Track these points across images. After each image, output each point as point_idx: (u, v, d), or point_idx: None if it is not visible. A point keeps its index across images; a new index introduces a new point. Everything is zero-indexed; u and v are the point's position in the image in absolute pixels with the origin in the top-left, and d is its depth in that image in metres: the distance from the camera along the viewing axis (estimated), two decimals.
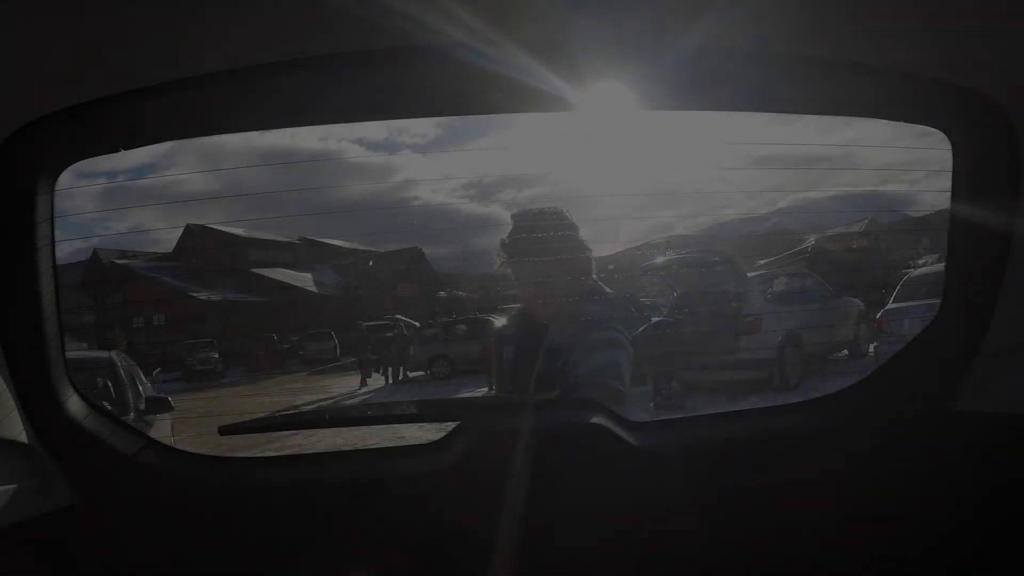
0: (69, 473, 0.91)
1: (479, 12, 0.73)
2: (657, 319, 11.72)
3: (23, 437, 1.22)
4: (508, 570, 0.90)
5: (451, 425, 0.92)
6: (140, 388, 6.13)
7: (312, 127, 1.17)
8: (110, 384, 5.38)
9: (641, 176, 1.28)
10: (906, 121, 1.21)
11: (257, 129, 0.81)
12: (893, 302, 10.11)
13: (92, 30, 0.71)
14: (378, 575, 0.94)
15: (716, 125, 1.21)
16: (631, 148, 1.23)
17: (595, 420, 0.91)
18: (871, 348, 11.38)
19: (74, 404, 0.90)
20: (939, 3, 0.78)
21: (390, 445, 0.96)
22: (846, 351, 12.34)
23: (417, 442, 0.94)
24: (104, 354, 6.14)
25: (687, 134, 1.26)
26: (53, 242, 0.87)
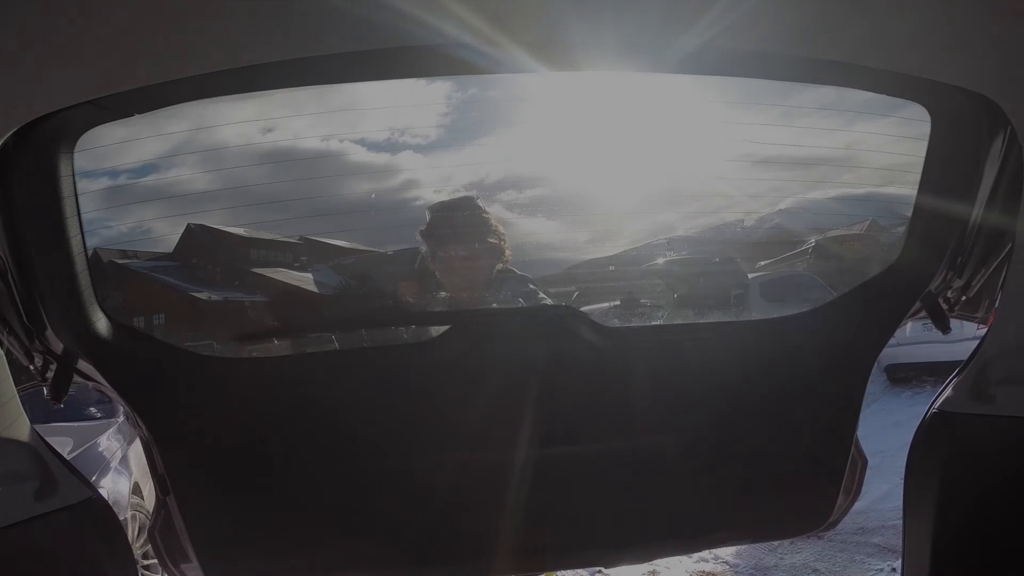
0: (112, 377, 1.00)
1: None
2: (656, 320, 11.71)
3: (24, 437, 1.22)
4: (498, 442, 1.05)
5: (445, 328, 1.05)
6: None
7: (313, 128, 1.18)
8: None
9: (642, 177, 1.29)
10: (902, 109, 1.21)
11: (260, 89, 0.83)
12: None
13: (95, 28, 0.71)
14: (379, 452, 1.06)
15: (717, 125, 1.21)
16: (632, 150, 1.24)
17: (572, 324, 1.02)
18: None
19: (102, 324, 0.99)
20: (938, 3, 0.78)
21: (391, 344, 1.07)
22: None
23: (416, 340, 1.07)
24: None
25: (688, 136, 1.26)
26: (76, 196, 0.92)
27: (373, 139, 1.21)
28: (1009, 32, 0.80)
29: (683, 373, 1.06)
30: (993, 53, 0.84)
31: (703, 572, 4.31)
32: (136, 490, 4.44)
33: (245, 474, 1.04)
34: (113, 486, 3.89)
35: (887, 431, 7.28)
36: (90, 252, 0.95)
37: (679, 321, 1.17)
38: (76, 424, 4.54)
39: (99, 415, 4.97)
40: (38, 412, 1.14)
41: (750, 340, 1.11)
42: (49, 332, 0.97)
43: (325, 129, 1.17)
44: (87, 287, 0.94)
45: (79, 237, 0.94)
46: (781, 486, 1.14)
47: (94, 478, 3.99)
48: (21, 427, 1.21)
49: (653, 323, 1.16)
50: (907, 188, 1.27)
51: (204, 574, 1.08)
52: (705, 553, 4.52)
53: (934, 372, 8.88)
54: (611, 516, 1.11)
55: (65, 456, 1.28)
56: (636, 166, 1.29)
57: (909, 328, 8.88)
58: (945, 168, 1.03)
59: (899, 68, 0.90)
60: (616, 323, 1.10)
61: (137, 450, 4.82)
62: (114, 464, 4.21)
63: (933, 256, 1.07)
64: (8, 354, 1.09)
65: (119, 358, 0.99)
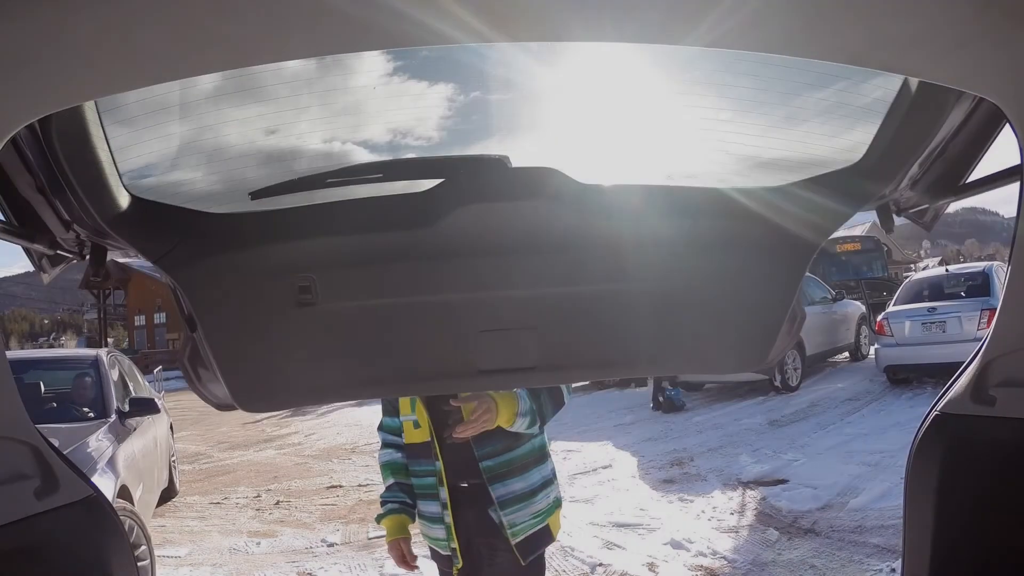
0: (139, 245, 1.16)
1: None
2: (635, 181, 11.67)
3: (25, 435, 1.23)
4: (485, 278, 1.22)
5: (437, 180, 1.16)
6: (130, 387, 6.02)
7: (315, 128, 1.21)
8: (91, 382, 5.24)
9: (643, 179, 1.31)
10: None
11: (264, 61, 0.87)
12: (894, 305, 10.13)
13: (94, 27, 0.71)
14: (374, 286, 1.22)
15: (718, 127, 1.22)
16: (633, 151, 1.24)
17: (552, 178, 1.14)
18: (872, 350, 11.39)
19: (125, 201, 1.11)
20: (938, 4, 0.78)
21: (387, 194, 1.19)
22: (847, 354, 12.35)
23: (410, 191, 1.19)
24: (91, 352, 5.96)
25: (690, 139, 1.27)
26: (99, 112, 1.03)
27: (376, 140, 1.23)
28: (1011, 34, 0.81)
29: (654, 229, 1.21)
30: (994, 55, 0.84)
31: (701, 567, 4.32)
32: (123, 493, 4.32)
33: (258, 307, 1.22)
34: None
35: (887, 432, 7.30)
36: (113, 148, 1.07)
37: (655, 183, 1.27)
38: (64, 426, 4.45)
39: (91, 415, 4.92)
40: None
41: (720, 205, 1.22)
42: (84, 219, 1.12)
43: (327, 131, 1.20)
44: (113, 175, 1.08)
45: (104, 142, 1.06)
46: (731, 330, 1.34)
47: None
48: (22, 425, 1.22)
49: (631, 183, 1.25)
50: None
51: (226, 385, 1.28)
52: (703, 548, 4.54)
53: (935, 373, 8.90)
54: (586, 343, 1.31)
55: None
56: (637, 170, 1.31)
57: (909, 328, 8.89)
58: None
59: (901, 70, 0.90)
60: (596, 181, 1.21)
61: (126, 452, 4.74)
62: (100, 466, 4.10)
63: (894, 169, 1.19)
64: (42, 253, 1.21)
65: (141, 226, 1.14)
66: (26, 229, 1.17)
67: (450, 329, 1.27)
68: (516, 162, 1.13)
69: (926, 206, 1.31)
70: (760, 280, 1.26)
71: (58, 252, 1.23)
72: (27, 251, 1.23)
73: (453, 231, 1.13)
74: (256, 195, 1.13)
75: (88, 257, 1.24)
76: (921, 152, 1.14)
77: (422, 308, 1.24)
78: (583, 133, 1.25)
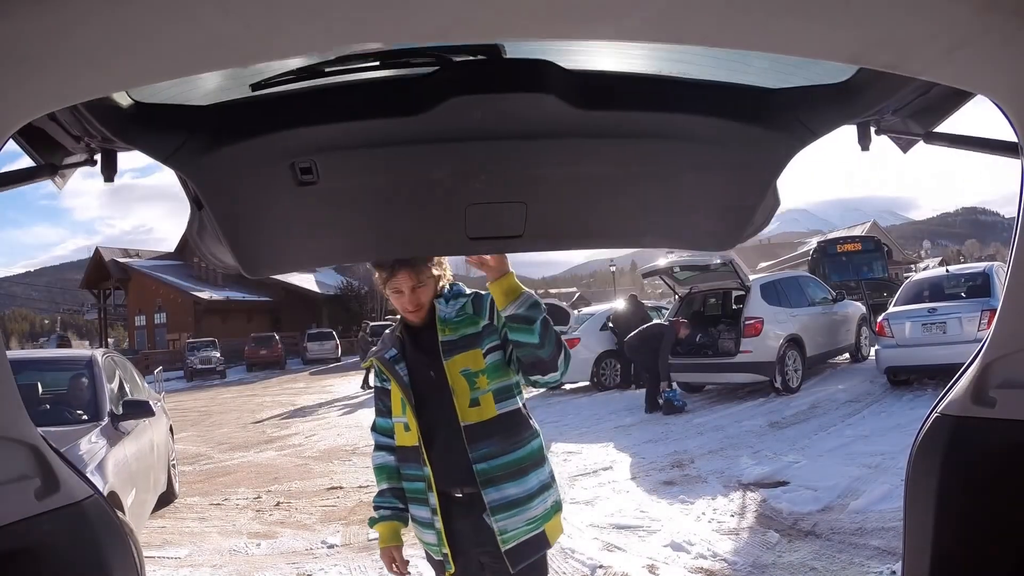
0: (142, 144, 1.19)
1: None
2: (657, 320, 11.72)
3: (26, 435, 1.23)
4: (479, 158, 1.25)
5: (432, 68, 1.17)
6: (126, 389, 5.96)
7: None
8: (85, 384, 5.15)
9: (634, 70, 1.34)
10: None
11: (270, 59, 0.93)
12: (894, 305, 10.12)
13: (93, 26, 0.72)
14: (370, 163, 1.24)
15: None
16: (624, 44, 1.27)
17: (543, 67, 1.15)
18: (872, 351, 11.39)
19: (127, 103, 1.15)
20: (939, 4, 0.78)
21: (384, 78, 1.21)
22: (847, 355, 12.34)
23: (406, 75, 1.21)
24: (86, 353, 5.88)
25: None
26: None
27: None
28: (1011, 34, 0.81)
29: (643, 118, 1.25)
30: (994, 55, 0.84)
31: (701, 569, 4.31)
32: (112, 499, 4.15)
33: (264, 188, 1.28)
34: None
35: (888, 433, 7.29)
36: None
37: (647, 73, 1.27)
38: (53, 429, 4.27)
39: (85, 417, 4.85)
40: None
41: (708, 99, 1.25)
42: (90, 128, 1.15)
43: None
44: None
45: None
46: (709, 210, 1.42)
47: None
48: (23, 426, 1.22)
49: (623, 72, 1.25)
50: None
51: (233, 255, 1.37)
52: (703, 550, 4.53)
53: (935, 375, 8.89)
54: (571, 217, 1.39)
55: None
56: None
57: (909, 329, 8.88)
58: None
59: (902, 70, 0.90)
60: (588, 69, 1.22)
61: (117, 456, 4.63)
62: (88, 470, 3.98)
63: (881, 93, 1.22)
64: (58, 165, 1.24)
65: (148, 130, 1.18)
66: (47, 166, 1.21)
67: (441, 203, 1.33)
68: (511, 53, 1.14)
69: (909, 135, 1.34)
70: (740, 170, 1.31)
71: (68, 161, 1.27)
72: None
73: (446, 115, 1.15)
74: (256, 86, 1.16)
75: (101, 164, 1.28)
76: (908, 81, 1.15)
77: (416, 185, 1.30)
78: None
